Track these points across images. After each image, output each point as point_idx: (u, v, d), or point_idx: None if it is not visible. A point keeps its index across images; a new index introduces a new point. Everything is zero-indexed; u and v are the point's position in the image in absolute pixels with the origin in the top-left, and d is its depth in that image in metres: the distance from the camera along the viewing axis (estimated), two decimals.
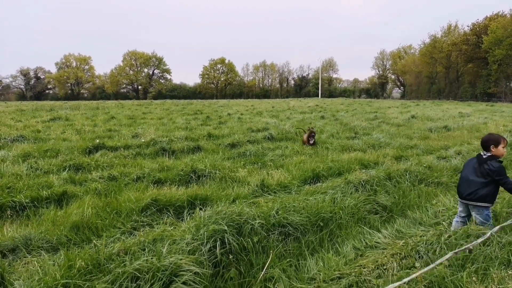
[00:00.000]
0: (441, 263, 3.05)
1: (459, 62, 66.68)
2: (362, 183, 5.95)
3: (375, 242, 4.05)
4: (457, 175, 6.94)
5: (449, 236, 3.69)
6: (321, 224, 4.45)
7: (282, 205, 4.64)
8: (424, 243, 3.67)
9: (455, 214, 4.47)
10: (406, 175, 6.58)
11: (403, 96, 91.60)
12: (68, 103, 45.94)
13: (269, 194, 5.77)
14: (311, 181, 6.66)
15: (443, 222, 4.35)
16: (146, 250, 3.51)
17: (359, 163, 7.70)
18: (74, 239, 4.17)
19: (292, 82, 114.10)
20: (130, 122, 18.03)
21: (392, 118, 19.43)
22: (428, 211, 4.94)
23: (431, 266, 3.00)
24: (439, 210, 4.88)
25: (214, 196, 5.47)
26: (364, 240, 4.15)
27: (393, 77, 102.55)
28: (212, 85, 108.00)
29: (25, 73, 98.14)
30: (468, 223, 4.00)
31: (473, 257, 3.23)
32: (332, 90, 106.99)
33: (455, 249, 3.29)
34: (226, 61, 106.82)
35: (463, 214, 4.16)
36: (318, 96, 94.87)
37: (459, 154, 8.75)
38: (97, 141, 10.05)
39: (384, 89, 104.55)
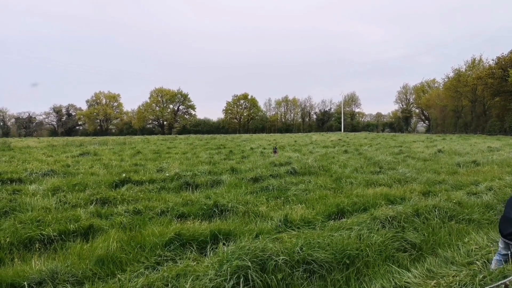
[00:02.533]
0: None
1: (485, 96, 65.35)
2: (389, 219, 5.78)
3: (404, 282, 3.87)
4: (489, 212, 6.66)
5: (484, 277, 3.50)
6: (347, 261, 4.31)
7: (306, 241, 4.55)
8: (457, 283, 3.49)
9: (489, 253, 4.25)
10: (435, 211, 6.36)
11: (428, 130, 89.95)
12: (97, 138, 47.55)
13: (292, 229, 5.67)
14: (336, 216, 6.54)
15: (477, 262, 4.13)
16: (170, 286, 3.50)
17: (384, 198, 7.52)
18: (99, 273, 4.20)
19: (314, 116, 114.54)
20: (155, 156, 18.42)
21: (418, 152, 19.03)
22: (460, 249, 4.71)
23: None
24: (472, 249, 4.64)
25: (237, 231, 5.43)
26: (393, 279, 3.98)
27: (417, 111, 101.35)
28: (235, 120, 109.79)
29: (57, 110, 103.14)
30: (505, 264, 3.78)
31: None
32: (354, 124, 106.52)
33: None
34: (249, 97, 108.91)
35: (503, 252, 3.88)
36: (340, 130, 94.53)
37: (490, 190, 8.41)
38: (124, 175, 10.28)
39: (408, 123, 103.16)
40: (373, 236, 5.00)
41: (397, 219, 5.82)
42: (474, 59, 70.95)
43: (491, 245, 4.59)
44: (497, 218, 6.31)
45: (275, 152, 17.60)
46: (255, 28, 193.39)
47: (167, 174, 10.86)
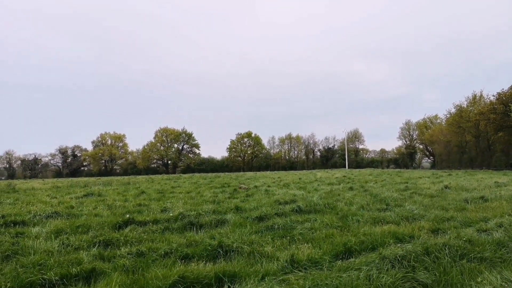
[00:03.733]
0: None
1: (488, 131, 65.55)
2: (398, 259, 5.63)
3: None
4: (501, 250, 6.47)
5: None
6: None
7: (314, 283, 4.43)
8: None
9: None
10: (446, 249, 6.19)
11: (433, 166, 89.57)
12: (101, 179, 47.59)
13: (299, 270, 5.53)
14: (343, 256, 6.38)
15: None
16: None
17: (393, 236, 7.37)
18: None
19: (318, 153, 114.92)
20: (159, 196, 18.31)
21: (424, 188, 18.81)
22: None
23: None
24: None
25: (242, 273, 5.30)
26: None
27: (421, 146, 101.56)
28: (239, 158, 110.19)
29: (63, 152, 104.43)
30: None
31: None
32: (359, 160, 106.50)
33: None
34: (253, 135, 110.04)
35: None
36: (345, 167, 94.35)
37: (500, 227, 8.23)
38: (127, 216, 10.20)
39: (413, 159, 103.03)
40: (383, 276, 4.86)
41: (407, 258, 5.67)
42: (475, 95, 71.98)
43: (506, 285, 4.44)
44: (510, 257, 6.14)
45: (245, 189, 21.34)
46: (258, 70, 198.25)
47: (171, 214, 10.76)
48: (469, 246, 6.51)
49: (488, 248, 6.46)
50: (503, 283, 4.51)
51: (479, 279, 4.94)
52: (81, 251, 6.88)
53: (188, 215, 10.59)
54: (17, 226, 9.70)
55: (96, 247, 7.32)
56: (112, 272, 5.66)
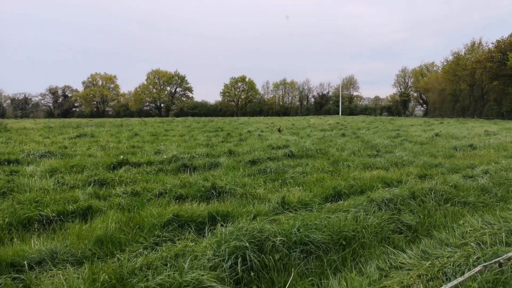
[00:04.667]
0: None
1: (483, 80, 65.19)
2: (385, 202, 5.83)
3: (400, 262, 3.94)
4: (485, 195, 6.73)
5: (478, 258, 3.56)
6: (344, 242, 4.37)
7: (303, 223, 4.60)
8: (451, 264, 3.55)
9: (483, 235, 4.31)
10: (431, 194, 6.41)
11: (426, 114, 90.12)
12: (94, 120, 47.36)
13: (290, 211, 5.72)
14: (333, 199, 6.59)
15: (471, 243, 4.19)
16: (168, 266, 3.54)
17: (381, 181, 7.58)
18: (98, 253, 4.24)
19: (312, 99, 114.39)
20: (152, 139, 18.37)
21: (415, 136, 19.08)
22: (455, 231, 4.78)
23: (460, 279, 2.90)
24: (467, 231, 4.71)
25: (235, 213, 5.47)
26: (388, 260, 4.04)
27: (415, 94, 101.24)
28: (232, 102, 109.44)
29: (53, 92, 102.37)
30: None
31: (505, 280, 3.09)
32: (352, 107, 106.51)
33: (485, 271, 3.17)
34: (247, 79, 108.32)
35: None
36: (338, 113, 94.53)
37: (486, 173, 8.48)
38: (121, 157, 10.27)
39: (406, 107, 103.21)
40: (370, 218, 5.06)
41: (394, 202, 5.87)
42: (474, 43, 70.53)
43: (486, 227, 4.66)
44: (492, 201, 6.40)
45: (279, 131, 22.97)
46: (253, 11, 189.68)
47: (165, 156, 10.86)
48: (454, 191, 6.74)
49: (472, 193, 6.71)
50: (484, 225, 4.74)
51: (461, 222, 5.18)
52: (77, 190, 7.00)
53: (182, 157, 10.71)
54: (11, 164, 9.76)
55: (91, 186, 7.44)
56: (108, 210, 5.81)
